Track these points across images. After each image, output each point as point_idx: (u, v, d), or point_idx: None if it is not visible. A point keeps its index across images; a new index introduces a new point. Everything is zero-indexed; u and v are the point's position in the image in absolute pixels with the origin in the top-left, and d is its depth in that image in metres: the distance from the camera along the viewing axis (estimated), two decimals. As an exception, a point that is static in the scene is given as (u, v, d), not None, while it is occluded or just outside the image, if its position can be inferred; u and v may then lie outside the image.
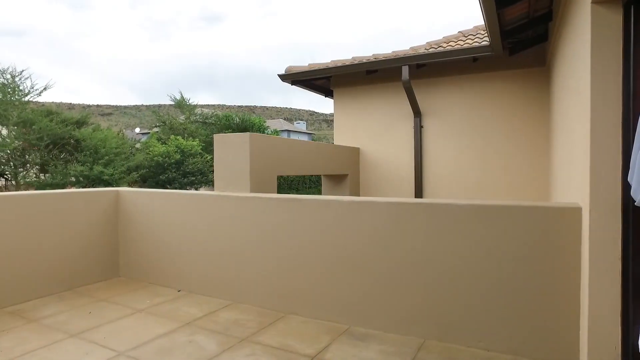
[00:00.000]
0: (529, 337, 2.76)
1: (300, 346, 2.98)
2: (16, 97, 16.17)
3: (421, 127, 7.19)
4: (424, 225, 3.09)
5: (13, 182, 16.17)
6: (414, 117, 7.18)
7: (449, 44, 6.79)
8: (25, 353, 2.89)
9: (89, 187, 15.51)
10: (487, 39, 5.97)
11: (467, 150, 6.89)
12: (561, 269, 2.66)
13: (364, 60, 7.14)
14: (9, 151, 15.53)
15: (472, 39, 6.58)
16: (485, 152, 6.75)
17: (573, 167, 3.00)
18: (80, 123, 18.31)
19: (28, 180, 16.32)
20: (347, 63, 7.31)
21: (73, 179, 16.06)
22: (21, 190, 14.83)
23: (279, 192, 4.80)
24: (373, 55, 7.40)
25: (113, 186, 15.43)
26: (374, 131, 7.69)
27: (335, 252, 3.44)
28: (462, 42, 6.58)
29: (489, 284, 2.86)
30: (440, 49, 6.52)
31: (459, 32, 7.33)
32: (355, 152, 7.65)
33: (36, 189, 15.39)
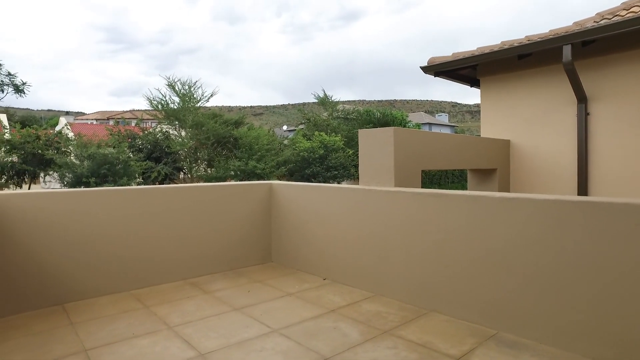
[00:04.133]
0: None
1: (443, 345, 2.89)
2: (191, 104, 19.37)
3: (587, 114, 6.24)
4: (592, 227, 2.68)
5: (188, 175, 19.26)
6: (578, 104, 6.26)
7: (631, 10, 5.63)
8: (203, 318, 3.45)
9: (244, 180, 17.46)
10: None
11: (650, 139, 5.75)
12: None
13: (515, 44, 6.48)
14: (186, 149, 18.53)
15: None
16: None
17: None
18: (237, 123, 20.87)
19: (199, 173, 19.22)
20: (496, 49, 6.73)
21: (232, 172, 18.30)
22: (194, 182, 17.47)
23: (421, 187, 4.71)
24: (526, 37, 6.67)
25: (264, 179, 17.04)
26: (527, 121, 6.96)
27: (483, 250, 3.23)
28: (648, 7, 5.43)
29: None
30: (617, 18, 5.48)
31: (643, -5, 6.11)
32: (504, 145, 7.04)
33: (205, 181, 17.98)
